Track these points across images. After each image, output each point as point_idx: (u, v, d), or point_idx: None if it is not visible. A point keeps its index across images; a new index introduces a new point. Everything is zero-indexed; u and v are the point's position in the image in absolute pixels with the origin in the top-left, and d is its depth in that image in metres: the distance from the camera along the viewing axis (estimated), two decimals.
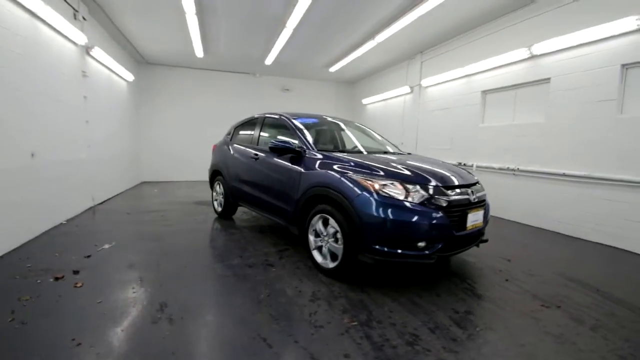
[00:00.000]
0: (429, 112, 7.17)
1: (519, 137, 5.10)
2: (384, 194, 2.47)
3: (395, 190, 2.49)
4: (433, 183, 2.58)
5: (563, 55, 4.40)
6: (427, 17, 5.17)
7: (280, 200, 3.41)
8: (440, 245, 2.48)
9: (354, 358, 1.77)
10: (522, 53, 4.87)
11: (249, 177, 4.07)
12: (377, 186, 2.51)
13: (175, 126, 9.22)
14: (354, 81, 10.50)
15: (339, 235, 2.69)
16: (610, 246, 3.92)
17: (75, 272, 2.79)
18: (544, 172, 4.70)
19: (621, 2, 3.75)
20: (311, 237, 2.99)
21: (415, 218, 2.38)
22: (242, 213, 5.30)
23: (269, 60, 7.79)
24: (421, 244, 2.43)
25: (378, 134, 4.42)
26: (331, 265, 2.78)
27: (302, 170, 3.13)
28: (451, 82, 6.48)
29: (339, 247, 2.68)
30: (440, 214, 2.45)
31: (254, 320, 2.12)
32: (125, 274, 2.79)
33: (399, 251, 2.41)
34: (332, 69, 8.53)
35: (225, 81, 9.54)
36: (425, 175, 2.65)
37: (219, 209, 4.95)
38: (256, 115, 4.49)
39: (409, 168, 2.75)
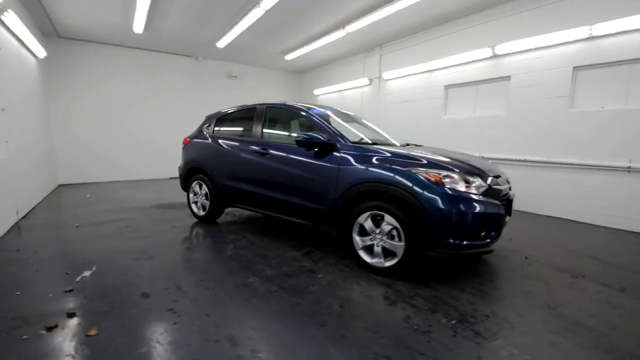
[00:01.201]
0: (390, 104, 7.45)
1: (481, 128, 5.70)
2: (449, 187, 2.45)
3: (458, 183, 2.49)
4: (487, 173, 2.66)
5: (523, 56, 5.03)
6: (396, 13, 5.29)
7: (309, 199, 3.10)
8: (493, 233, 2.60)
9: (487, 358, 1.73)
10: (486, 52, 5.40)
11: (254, 175, 3.60)
12: (439, 179, 2.47)
13: (99, 116, 7.63)
14: (303, 71, 10.24)
15: (394, 233, 2.59)
16: (567, 219, 4.72)
17: (70, 315, 2.07)
18: (505, 159, 5.35)
19: (575, 14, 4.43)
20: (357, 237, 2.81)
21: (485, 209, 2.44)
22: (224, 215, 4.70)
23: (223, 43, 7.00)
24: (483, 234, 2.51)
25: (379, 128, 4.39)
26: (387, 264, 2.65)
27: (338, 166, 2.90)
28: (413, 75, 6.83)
29: (398, 245, 2.57)
30: (499, 203, 2.56)
31: (355, 337, 1.88)
32: (143, 307, 2.17)
33: (475, 242, 2.44)
34: (289, 57, 8.15)
35: (162, 64, 8.27)
36: (477, 166, 2.71)
37: (201, 213, 4.29)
38: (251, 105, 3.98)
39: (455, 160, 2.78)
